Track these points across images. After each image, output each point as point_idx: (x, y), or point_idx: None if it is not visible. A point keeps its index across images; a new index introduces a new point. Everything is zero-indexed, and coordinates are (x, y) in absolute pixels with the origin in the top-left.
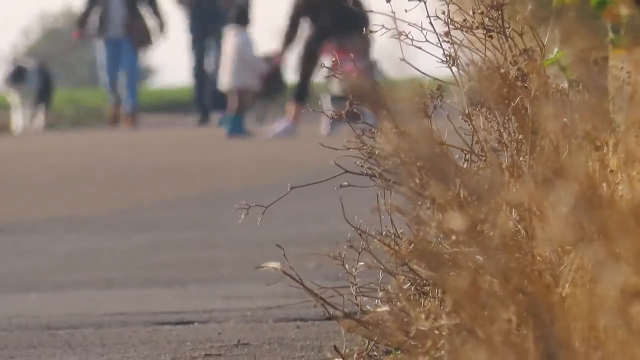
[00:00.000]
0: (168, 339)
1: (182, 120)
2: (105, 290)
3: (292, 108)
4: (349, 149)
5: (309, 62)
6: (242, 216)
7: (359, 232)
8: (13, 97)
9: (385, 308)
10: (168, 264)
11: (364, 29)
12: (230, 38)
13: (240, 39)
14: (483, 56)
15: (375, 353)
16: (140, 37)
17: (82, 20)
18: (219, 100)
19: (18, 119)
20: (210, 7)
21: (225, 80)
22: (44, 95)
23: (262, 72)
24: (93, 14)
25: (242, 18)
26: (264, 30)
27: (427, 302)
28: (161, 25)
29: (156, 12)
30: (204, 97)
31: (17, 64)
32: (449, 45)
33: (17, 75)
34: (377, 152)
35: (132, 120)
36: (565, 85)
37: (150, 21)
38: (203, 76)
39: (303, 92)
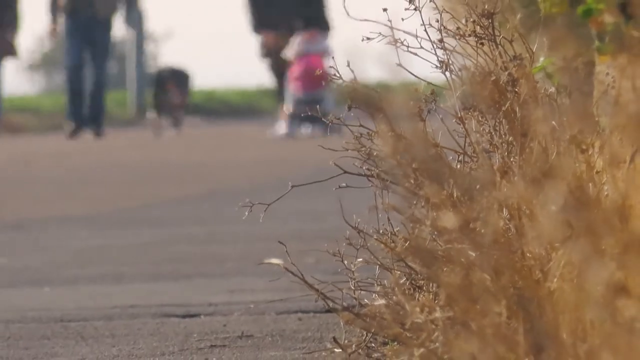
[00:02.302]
0: (175, 331)
1: (188, 122)
2: (115, 284)
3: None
4: (347, 150)
5: (277, 62)
6: (246, 213)
7: (357, 229)
8: None
9: (382, 302)
10: (175, 259)
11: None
12: None
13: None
14: (475, 62)
15: (373, 344)
16: (3, 49)
17: None
18: (94, 111)
19: None
20: (89, 15)
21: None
22: None
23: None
24: None
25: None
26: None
27: (421, 296)
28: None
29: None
30: (80, 107)
31: None
32: (442, 51)
33: None
34: (374, 154)
35: None
36: (553, 90)
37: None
38: (79, 85)
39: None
